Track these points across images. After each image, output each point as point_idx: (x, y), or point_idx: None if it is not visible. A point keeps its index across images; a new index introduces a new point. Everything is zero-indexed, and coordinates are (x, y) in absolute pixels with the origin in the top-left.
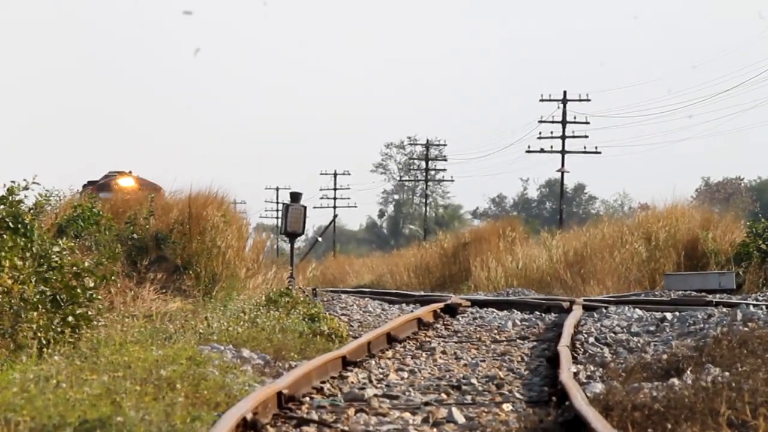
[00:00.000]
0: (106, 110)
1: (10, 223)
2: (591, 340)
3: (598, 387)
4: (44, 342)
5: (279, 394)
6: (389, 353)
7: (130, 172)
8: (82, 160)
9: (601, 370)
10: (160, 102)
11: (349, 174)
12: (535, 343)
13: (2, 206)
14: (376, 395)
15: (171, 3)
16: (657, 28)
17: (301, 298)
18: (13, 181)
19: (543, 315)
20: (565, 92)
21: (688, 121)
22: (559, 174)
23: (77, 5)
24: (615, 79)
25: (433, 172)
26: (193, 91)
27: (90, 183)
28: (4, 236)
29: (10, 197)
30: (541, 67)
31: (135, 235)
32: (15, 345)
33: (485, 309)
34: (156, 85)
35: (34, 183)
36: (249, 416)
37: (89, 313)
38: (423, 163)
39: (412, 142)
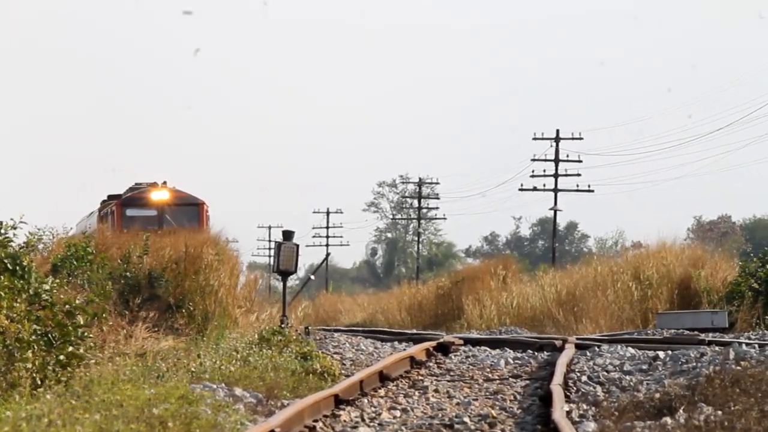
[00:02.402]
0: (106, 110)
1: (8, 265)
2: (584, 378)
3: (591, 426)
4: (37, 381)
5: None
6: (382, 392)
7: (165, 183)
8: (82, 160)
9: (593, 408)
10: (159, 102)
11: (341, 212)
12: (527, 381)
13: None
14: None
15: (171, 3)
16: (657, 29)
17: (294, 337)
18: (0, 221)
19: (536, 353)
20: (557, 131)
21: (680, 160)
22: (552, 212)
23: (77, 5)
24: (607, 117)
25: (425, 210)
26: (193, 91)
27: (112, 197)
28: (2, 277)
29: None
30: (534, 106)
31: (128, 274)
32: (7, 384)
33: (478, 347)
34: (155, 85)
35: (21, 222)
36: None
37: (81, 351)
38: (415, 202)
39: (404, 181)
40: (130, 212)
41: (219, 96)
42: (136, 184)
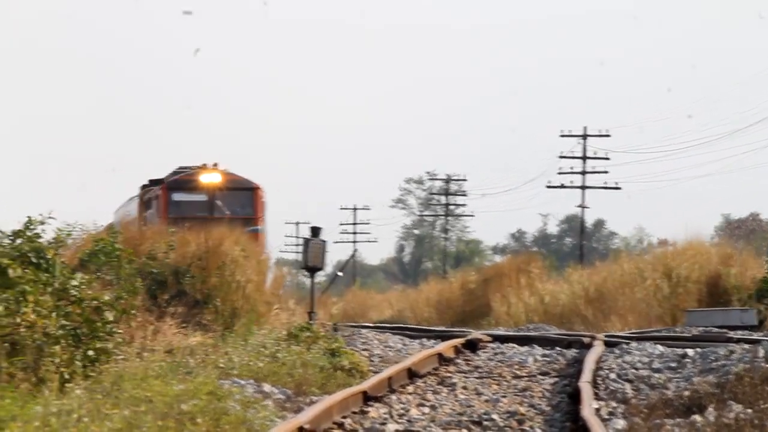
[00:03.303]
0: (106, 110)
1: (33, 259)
2: (612, 376)
3: (620, 423)
4: (66, 376)
5: (300, 429)
6: (410, 388)
7: (216, 165)
8: (82, 160)
9: (622, 406)
10: (159, 102)
11: (369, 209)
12: (556, 378)
13: (20, 240)
14: (397, 430)
15: (171, 3)
16: (657, 29)
17: (322, 333)
18: (29, 216)
19: (564, 351)
20: (585, 128)
21: (708, 157)
22: (579, 209)
23: (77, 5)
24: (636, 113)
25: (452, 207)
26: (193, 91)
27: (154, 182)
28: (27, 271)
29: (27, 231)
30: (562, 101)
31: (155, 270)
32: (37, 379)
33: (506, 344)
34: (155, 85)
35: (50, 218)
36: None
37: (109, 346)
38: (443, 198)
39: (431, 177)
40: (177, 197)
41: (230, 95)
42: (180, 167)
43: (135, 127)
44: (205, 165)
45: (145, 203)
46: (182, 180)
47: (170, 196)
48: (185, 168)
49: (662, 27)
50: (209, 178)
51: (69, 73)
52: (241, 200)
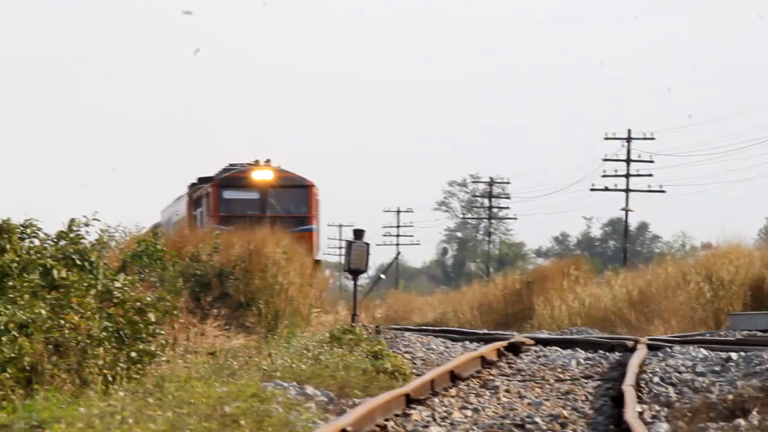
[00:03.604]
0: (106, 111)
1: (77, 260)
2: (656, 379)
3: (664, 427)
4: (109, 378)
5: (343, 431)
6: (453, 391)
7: (268, 161)
8: (80, 162)
9: (666, 409)
10: (160, 102)
11: (411, 211)
12: (599, 382)
13: (64, 242)
14: None
15: (171, 3)
16: (657, 29)
17: (365, 336)
18: (73, 218)
19: (607, 354)
20: (629, 131)
21: (753, 161)
22: (623, 212)
23: (76, 5)
24: (680, 117)
25: (496, 210)
26: (193, 91)
27: (203, 180)
28: (71, 273)
29: (71, 233)
30: (605, 105)
31: (198, 272)
32: (81, 380)
33: (549, 347)
34: (155, 85)
35: (94, 219)
36: None
37: (152, 348)
38: (486, 201)
39: (475, 180)
40: (228, 194)
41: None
42: (230, 164)
43: (135, 127)
44: (256, 162)
45: (194, 202)
46: (233, 177)
47: (221, 194)
48: (236, 165)
49: (662, 27)
50: (261, 175)
51: (68, 73)
52: (295, 198)
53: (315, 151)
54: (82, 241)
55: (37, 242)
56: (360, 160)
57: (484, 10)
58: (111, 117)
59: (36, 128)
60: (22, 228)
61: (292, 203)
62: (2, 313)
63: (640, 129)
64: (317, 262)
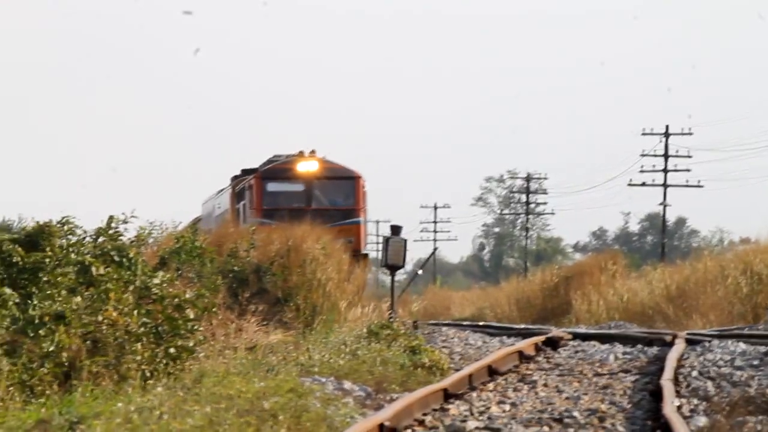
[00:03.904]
0: (105, 111)
1: (115, 257)
2: (694, 373)
3: (702, 420)
4: (147, 373)
5: (381, 426)
6: (490, 386)
7: (313, 152)
8: (80, 163)
9: (704, 403)
10: (159, 102)
11: (449, 207)
12: (637, 376)
13: (103, 238)
14: (477, 428)
15: (171, 3)
16: (657, 29)
17: (402, 331)
18: (111, 216)
19: (645, 348)
20: (667, 126)
21: None
22: (661, 207)
23: (76, 5)
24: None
25: (533, 205)
26: (193, 91)
27: (247, 172)
28: (109, 269)
29: (109, 230)
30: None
31: (236, 268)
32: (119, 376)
33: (587, 342)
34: (155, 85)
35: (132, 216)
36: None
37: (191, 344)
38: (523, 197)
39: (512, 176)
40: (272, 187)
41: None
42: (274, 156)
43: (135, 127)
44: (301, 152)
45: (237, 194)
46: (277, 169)
47: (265, 186)
48: (280, 156)
49: (662, 27)
50: (306, 167)
51: (67, 73)
52: (341, 190)
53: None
54: (121, 238)
55: (73, 239)
56: (397, 156)
57: (484, 10)
58: (111, 117)
59: (35, 128)
60: (59, 225)
61: (339, 195)
62: (38, 306)
63: (677, 124)
64: (365, 256)
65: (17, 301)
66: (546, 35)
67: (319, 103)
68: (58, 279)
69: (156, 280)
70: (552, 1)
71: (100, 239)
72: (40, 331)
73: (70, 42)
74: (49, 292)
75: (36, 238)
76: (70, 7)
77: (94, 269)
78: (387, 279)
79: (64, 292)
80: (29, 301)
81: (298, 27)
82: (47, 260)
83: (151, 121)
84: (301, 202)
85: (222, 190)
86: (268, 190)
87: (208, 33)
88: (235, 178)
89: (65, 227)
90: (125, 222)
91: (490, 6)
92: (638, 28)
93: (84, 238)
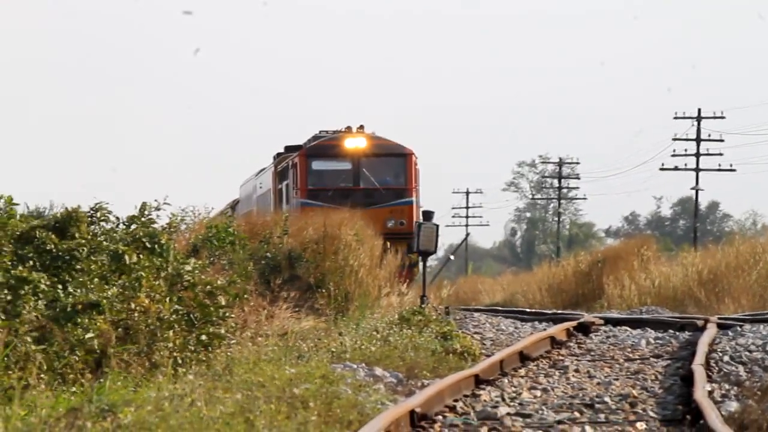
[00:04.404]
0: (106, 111)
1: (147, 244)
2: (726, 358)
3: (733, 405)
4: (179, 361)
5: (412, 412)
6: (522, 371)
7: (361, 127)
8: (79, 164)
9: (736, 388)
10: (160, 102)
11: (481, 192)
12: (669, 361)
13: (135, 225)
14: (508, 414)
15: (171, 3)
16: (657, 29)
17: (434, 317)
18: (144, 202)
19: (677, 333)
20: (699, 110)
21: None
22: (693, 192)
23: (77, 5)
24: (752, 95)
25: (565, 191)
26: (193, 91)
27: (291, 149)
28: (141, 256)
29: (142, 217)
30: (675, 84)
31: (269, 254)
32: (150, 363)
33: (618, 327)
34: (155, 85)
35: (165, 203)
36: None
37: (222, 331)
38: (555, 182)
39: (544, 161)
40: (317, 165)
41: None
42: (321, 131)
43: (136, 126)
44: (349, 128)
45: (279, 174)
46: (323, 146)
47: (310, 164)
48: (325, 132)
49: (662, 27)
50: (354, 143)
51: (67, 73)
52: (392, 168)
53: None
54: (153, 225)
55: (107, 226)
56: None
57: (484, 10)
58: (111, 117)
59: (36, 128)
60: (92, 212)
61: (389, 174)
62: (72, 294)
63: (710, 108)
64: None
65: (46, 286)
66: (546, 35)
67: (319, 103)
68: (92, 267)
69: (188, 267)
70: (552, 1)
71: (133, 226)
72: (77, 319)
73: (70, 42)
74: (82, 279)
75: (65, 224)
76: (71, 8)
77: (126, 257)
78: (419, 265)
79: (96, 280)
80: (62, 289)
81: (298, 27)
82: (81, 248)
83: (151, 121)
84: (348, 182)
85: (263, 170)
86: (313, 169)
87: (208, 33)
88: (277, 156)
89: (98, 213)
90: (158, 209)
91: (490, 6)
92: (638, 28)
93: (118, 225)
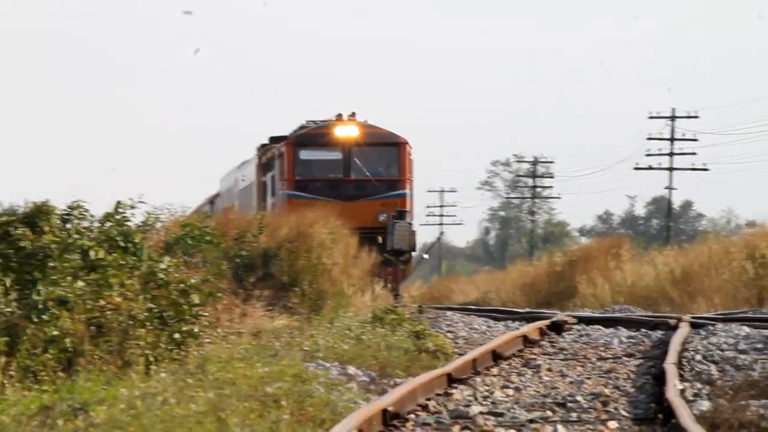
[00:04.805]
0: (106, 111)
1: (121, 242)
2: (698, 357)
3: (705, 404)
4: (151, 359)
5: (384, 411)
6: (495, 370)
7: (353, 115)
8: (79, 164)
9: (707, 387)
10: (160, 102)
11: (455, 191)
12: (641, 360)
13: (110, 223)
14: (481, 412)
15: (171, 3)
16: (657, 29)
17: (407, 316)
18: (119, 201)
19: (649, 332)
20: (673, 109)
21: None
22: (667, 191)
23: (77, 6)
24: (725, 94)
25: (539, 189)
26: (193, 91)
27: (276, 139)
28: (114, 254)
29: (116, 215)
30: (648, 84)
31: (243, 252)
32: (123, 362)
33: (591, 326)
34: (155, 85)
35: (140, 202)
36: None
37: (195, 330)
38: (529, 181)
39: (518, 160)
40: (305, 155)
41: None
42: (307, 121)
43: (135, 126)
44: (339, 115)
45: (264, 165)
46: (312, 134)
47: (297, 153)
48: (311, 122)
49: (662, 27)
50: (345, 132)
51: (67, 73)
52: (384, 158)
53: None
54: (128, 223)
55: (85, 224)
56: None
57: (484, 10)
58: (111, 117)
59: (35, 128)
60: (69, 209)
61: (382, 164)
62: (41, 292)
63: (684, 107)
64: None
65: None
66: (546, 35)
67: (320, 103)
68: (64, 265)
69: (162, 265)
70: (552, 1)
71: (108, 224)
72: (44, 316)
73: (70, 42)
74: (54, 277)
75: (34, 219)
76: (71, 8)
77: (92, 253)
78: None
79: (68, 278)
80: (32, 286)
81: (298, 27)
82: (54, 245)
83: (151, 121)
84: (338, 173)
85: (245, 162)
86: (301, 159)
87: (208, 33)
88: (261, 147)
89: (76, 211)
90: (132, 207)
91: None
92: (638, 28)
93: (93, 222)
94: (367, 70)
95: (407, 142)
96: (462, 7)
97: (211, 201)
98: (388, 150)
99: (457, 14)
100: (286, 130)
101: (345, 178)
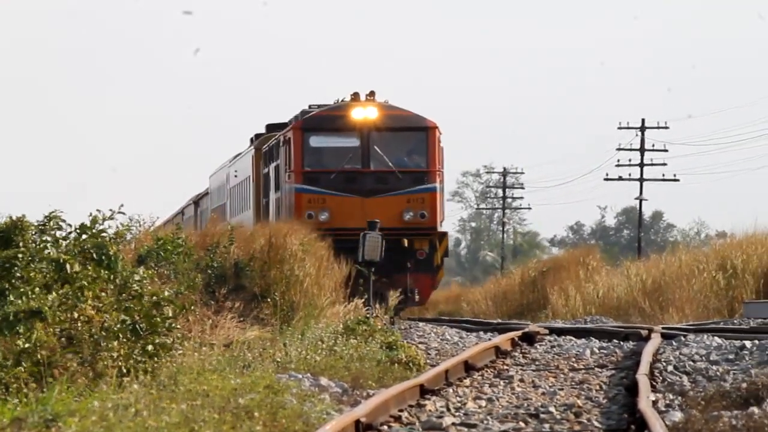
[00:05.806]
0: (106, 111)
1: (95, 255)
2: (670, 368)
3: (677, 415)
4: (124, 370)
5: (357, 422)
6: (467, 381)
7: (372, 94)
8: (79, 166)
9: (680, 398)
10: (160, 102)
11: None
12: (613, 371)
13: (85, 236)
14: (454, 424)
15: (171, 3)
16: (657, 29)
17: (379, 327)
18: (98, 210)
19: (621, 343)
20: (643, 120)
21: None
22: (637, 202)
23: (77, 6)
24: (694, 105)
25: (510, 200)
26: (193, 91)
27: (274, 126)
28: (88, 267)
29: (93, 228)
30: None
31: (215, 264)
32: (95, 373)
33: (563, 337)
34: (155, 85)
35: (119, 213)
36: None
37: (168, 342)
38: (500, 191)
39: (488, 170)
40: (316, 141)
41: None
42: (311, 105)
43: (135, 126)
44: (356, 94)
45: (265, 155)
46: (324, 117)
47: (307, 140)
48: (314, 106)
49: (662, 27)
50: (363, 114)
51: (67, 72)
52: (410, 146)
53: None
54: (103, 235)
55: (60, 234)
56: None
57: (483, 9)
58: (111, 117)
59: (35, 128)
60: (46, 220)
61: (406, 152)
62: (12, 303)
63: (654, 118)
64: (443, 235)
65: None
66: (546, 35)
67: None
68: (32, 275)
69: (137, 277)
70: (552, 1)
71: (84, 237)
72: (17, 328)
73: (70, 42)
74: (22, 289)
75: (9, 234)
76: (71, 8)
77: (68, 266)
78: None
79: (38, 289)
80: (2, 298)
81: (298, 27)
82: (20, 255)
83: (151, 121)
84: (355, 163)
85: (239, 155)
86: (311, 146)
87: (208, 33)
88: (257, 137)
89: (51, 222)
90: (110, 218)
91: (490, 5)
92: (638, 28)
93: (70, 233)
94: (367, 70)
95: (437, 127)
96: (462, 7)
97: (196, 202)
98: (414, 135)
99: (457, 14)
100: (283, 117)
101: (363, 170)
